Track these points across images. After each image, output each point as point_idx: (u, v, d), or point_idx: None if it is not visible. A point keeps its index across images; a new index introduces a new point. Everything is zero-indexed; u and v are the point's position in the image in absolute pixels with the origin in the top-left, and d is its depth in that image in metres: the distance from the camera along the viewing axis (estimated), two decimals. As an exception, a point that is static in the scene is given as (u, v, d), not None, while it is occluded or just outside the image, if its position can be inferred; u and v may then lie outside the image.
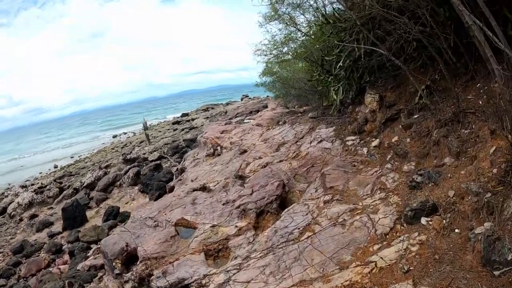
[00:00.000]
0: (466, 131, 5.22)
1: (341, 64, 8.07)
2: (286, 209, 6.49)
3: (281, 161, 9.60)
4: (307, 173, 8.05)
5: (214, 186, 10.14)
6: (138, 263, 6.68)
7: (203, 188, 10.01)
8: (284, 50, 11.06)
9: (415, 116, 6.76)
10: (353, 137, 8.63)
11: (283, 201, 7.28)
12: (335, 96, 9.25)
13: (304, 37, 10.71)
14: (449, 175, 4.96)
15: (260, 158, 10.78)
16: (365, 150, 7.72)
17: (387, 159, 6.70)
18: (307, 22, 10.35)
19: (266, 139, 12.69)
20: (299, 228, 5.30)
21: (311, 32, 10.34)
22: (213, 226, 6.77)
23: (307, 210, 5.83)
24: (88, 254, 10.83)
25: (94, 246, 11.34)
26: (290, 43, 11.04)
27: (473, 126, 5.17)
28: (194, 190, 9.82)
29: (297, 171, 8.41)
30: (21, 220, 17.46)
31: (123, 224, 12.39)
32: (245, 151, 12.26)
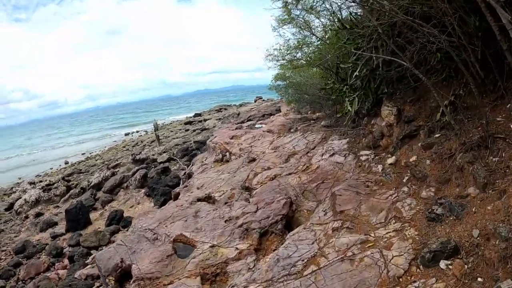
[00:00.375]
0: (494, 159, 4.62)
1: (357, 73, 7.51)
2: (291, 233, 5.98)
3: (290, 173, 9.09)
4: (317, 190, 7.52)
5: (220, 196, 9.75)
6: (131, 282, 6.27)
7: (208, 198, 9.61)
8: (297, 55, 10.50)
9: (437, 135, 6.16)
10: (367, 152, 8.06)
11: (289, 221, 6.77)
12: (350, 107, 8.69)
13: (318, 42, 10.15)
14: (473, 210, 4.38)
15: (268, 168, 10.29)
16: (379, 167, 7.15)
17: (404, 180, 6.13)
18: (322, 26, 9.80)
19: (276, 148, 12.19)
20: (303, 260, 4.78)
21: (326, 37, 9.77)
22: (213, 246, 6.30)
23: (313, 237, 5.30)
24: (87, 261, 10.50)
25: (94, 252, 11.00)
26: (304, 47, 10.48)
27: (503, 154, 4.57)
28: (199, 199, 9.43)
29: (306, 186, 7.88)
30: (26, 217, 17.36)
31: (125, 229, 12.13)
32: (254, 159, 11.78)
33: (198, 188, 11.45)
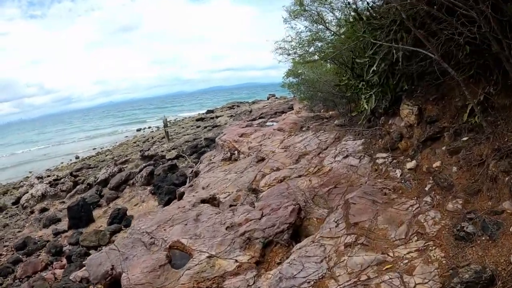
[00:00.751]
0: (537, 169, 3.92)
1: (375, 68, 6.80)
2: (298, 246, 5.35)
3: (300, 176, 8.45)
4: (328, 195, 6.86)
5: (225, 198, 9.22)
6: (121, 292, 5.75)
7: (213, 199, 9.11)
8: (310, 50, 9.78)
9: (464, 139, 5.44)
10: (384, 155, 7.37)
11: (296, 230, 6.14)
12: (366, 105, 7.98)
13: (333, 36, 9.45)
14: (510, 230, 3.69)
15: (277, 169, 9.67)
16: (398, 172, 6.47)
17: (426, 189, 5.43)
18: (336, 20, 9.09)
19: (287, 147, 11.55)
20: (309, 282, 4.13)
21: (340, 31, 9.05)
22: (211, 256, 5.70)
23: (322, 254, 4.64)
24: (84, 262, 10.05)
25: (93, 252, 10.55)
26: (317, 42, 9.77)
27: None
28: (202, 201, 8.92)
29: (317, 191, 7.23)
30: (32, 212, 17.13)
31: (127, 228, 11.63)
32: (263, 159, 11.18)
33: (203, 188, 10.93)
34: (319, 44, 10.12)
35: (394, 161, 6.97)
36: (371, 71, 6.93)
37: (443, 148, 5.78)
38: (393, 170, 6.63)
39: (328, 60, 10.77)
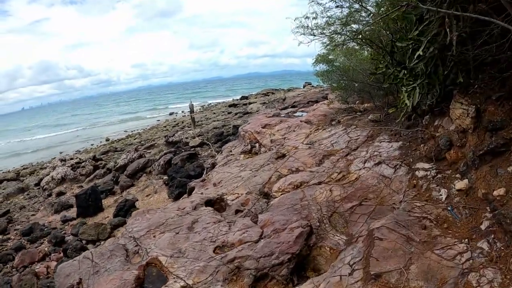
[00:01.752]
0: None
1: (421, 53, 5.12)
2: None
3: (320, 182, 7.01)
4: (350, 215, 5.40)
5: (232, 201, 8.18)
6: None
7: (220, 200, 8.06)
8: (342, 31, 8.10)
9: (545, 158, 3.80)
10: (426, 166, 5.78)
11: (302, 261, 4.74)
12: (406, 100, 6.28)
13: (370, 16, 7.77)
14: None
15: (296, 171, 8.33)
16: (443, 193, 4.89)
17: (482, 227, 3.84)
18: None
19: (312, 143, 10.15)
20: None
21: (379, 11, 7.33)
22: (185, 287, 4.44)
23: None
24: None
25: (91, 247, 9.68)
26: (351, 23, 8.10)
27: None
28: (207, 202, 7.84)
29: (337, 206, 5.79)
30: (49, 195, 16.76)
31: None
32: (283, 155, 9.88)
33: (214, 185, 9.87)
34: (354, 27, 8.42)
35: (439, 175, 5.37)
36: (415, 57, 5.27)
37: (510, 169, 4.14)
38: (437, 189, 5.05)
39: (364, 45, 9.08)
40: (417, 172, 5.74)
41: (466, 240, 3.75)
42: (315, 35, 7.32)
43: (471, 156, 4.92)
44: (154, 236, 6.43)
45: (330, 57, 11.10)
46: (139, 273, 5.05)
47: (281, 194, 7.23)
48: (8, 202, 17.17)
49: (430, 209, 4.56)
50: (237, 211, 7.38)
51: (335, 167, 7.60)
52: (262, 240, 5.02)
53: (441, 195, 4.88)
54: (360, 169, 6.81)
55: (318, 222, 5.34)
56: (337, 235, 5.01)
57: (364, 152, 7.62)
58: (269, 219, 5.59)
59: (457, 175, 5.08)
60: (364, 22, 8.16)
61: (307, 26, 7.15)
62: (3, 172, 24.48)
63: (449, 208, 4.49)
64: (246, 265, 4.58)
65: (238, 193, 8.35)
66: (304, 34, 7.26)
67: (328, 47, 9.32)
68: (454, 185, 4.89)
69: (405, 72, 6.21)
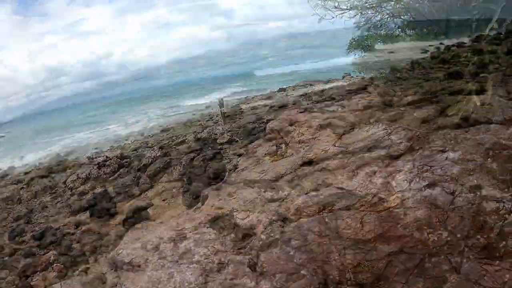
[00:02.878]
0: None
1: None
2: None
3: (349, 207, 5.36)
4: (385, 268, 3.72)
5: (242, 219, 6.80)
6: None
7: (229, 217, 6.99)
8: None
9: None
10: (498, 194, 3.95)
11: None
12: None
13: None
14: None
15: (322, 184, 6.73)
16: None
17: None
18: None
19: (345, 146, 8.49)
20: None
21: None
22: None
23: None
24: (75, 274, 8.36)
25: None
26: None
27: None
28: (213, 219, 6.64)
29: (368, 250, 4.13)
30: (72, 195, 16.18)
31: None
32: (310, 161, 8.44)
33: (229, 195, 8.59)
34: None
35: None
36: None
37: None
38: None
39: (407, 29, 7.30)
40: (484, 204, 3.91)
41: None
42: (341, 9, 5.59)
43: None
44: (133, 273, 5.15)
45: (365, 42, 9.28)
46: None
47: (299, 219, 5.74)
48: (35, 200, 16.91)
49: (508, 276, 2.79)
50: (243, 237, 5.94)
51: (370, 183, 5.88)
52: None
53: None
54: (403, 190, 5.09)
55: (338, 276, 3.70)
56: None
57: (409, 164, 5.82)
58: (271, 266, 4.03)
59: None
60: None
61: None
62: (38, 169, 24.53)
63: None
64: None
65: (250, 210, 6.92)
66: (324, 5, 5.56)
67: (363, 27, 7.58)
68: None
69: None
